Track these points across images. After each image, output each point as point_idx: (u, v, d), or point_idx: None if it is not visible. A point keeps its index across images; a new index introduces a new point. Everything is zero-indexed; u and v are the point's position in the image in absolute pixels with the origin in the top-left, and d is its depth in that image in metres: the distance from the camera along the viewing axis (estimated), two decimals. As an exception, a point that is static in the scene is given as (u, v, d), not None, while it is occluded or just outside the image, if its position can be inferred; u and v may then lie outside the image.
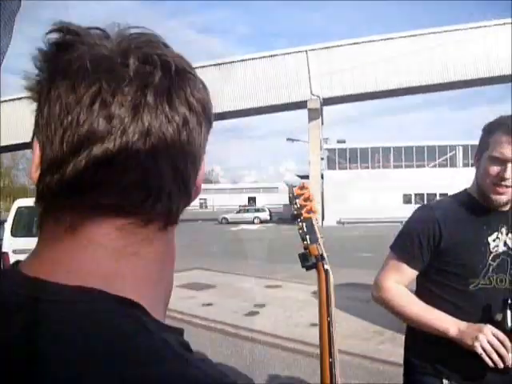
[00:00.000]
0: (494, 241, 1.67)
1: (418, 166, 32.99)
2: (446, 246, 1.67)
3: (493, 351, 1.49)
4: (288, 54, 30.38)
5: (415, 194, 32.01)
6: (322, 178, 31.80)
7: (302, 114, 31.31)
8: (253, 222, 37.32)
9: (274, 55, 30.68)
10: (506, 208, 1.69)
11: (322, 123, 31.68)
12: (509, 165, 1.59)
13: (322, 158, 32.12)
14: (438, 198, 32.50)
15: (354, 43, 29.15)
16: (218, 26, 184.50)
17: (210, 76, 31.30)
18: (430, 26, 28.17)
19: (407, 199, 31.97)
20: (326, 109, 32.05)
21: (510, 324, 1.53)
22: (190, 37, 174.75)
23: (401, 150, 33.35)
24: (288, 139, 34.07)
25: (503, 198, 1.63)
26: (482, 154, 1.68)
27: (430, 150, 32.91)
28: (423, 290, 1.76)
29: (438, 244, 1.68)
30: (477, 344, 1.49)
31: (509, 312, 1.54)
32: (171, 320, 6.96)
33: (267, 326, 6.50)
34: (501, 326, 1.53)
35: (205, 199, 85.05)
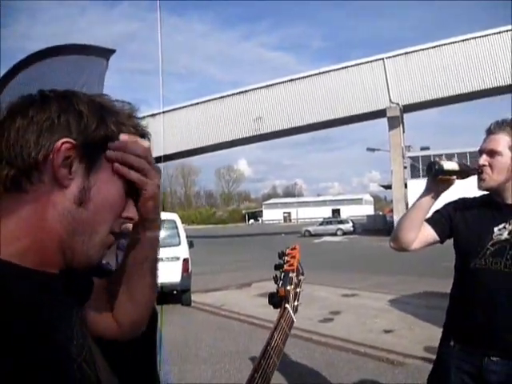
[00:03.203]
0: (499, 230, 1.91)
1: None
2: (456, 228, 2.01)
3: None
4: (364, 63, 30.22)
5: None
6: (406, 187, 30.89)
7: (382, 122, 30.89)
8: (336, 234, 37.02)
9: (350, 66, 30.65)
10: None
11: (404, 131, 30.95)
12: (483, 155, 1.93)
13: (405, 167, 31.24)
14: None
15: (433, 47, 28.31)
16: (292, 42, 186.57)
17: (286, 91, 31.97)
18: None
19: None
20: (406, 116, 31.30)
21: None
22: (264, 56, 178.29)
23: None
24: (368, 149, 33.62)
25: (482, 184, 1.94)
26: None
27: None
28: (454, 274, 2.07)
29: (451, 222, 2.02)
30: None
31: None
32: (250, 325, 7.38)
33: (340, 331, 6.68)
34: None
35: (288, 213, 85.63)
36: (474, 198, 2.09)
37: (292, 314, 1.25)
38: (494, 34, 26.98)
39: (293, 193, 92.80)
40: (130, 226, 1.40)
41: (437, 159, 1.88)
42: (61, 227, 0.67)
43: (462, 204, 2.06)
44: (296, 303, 1.31)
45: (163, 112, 27.73)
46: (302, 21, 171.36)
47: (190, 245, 9.38)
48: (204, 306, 9.23)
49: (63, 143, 0.66)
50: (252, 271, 14.29)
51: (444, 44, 28.14)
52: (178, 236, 9.02)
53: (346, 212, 69.98)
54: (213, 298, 10.03)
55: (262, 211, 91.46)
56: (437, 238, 2.04)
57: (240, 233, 47.92)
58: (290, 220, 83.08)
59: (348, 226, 38.70)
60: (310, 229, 39.41)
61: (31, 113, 0.67)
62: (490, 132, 1.93)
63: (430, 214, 2.07)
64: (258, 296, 9.96)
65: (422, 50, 28.65)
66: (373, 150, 33.58)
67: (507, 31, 26.50)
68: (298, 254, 1.40)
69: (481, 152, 1.95)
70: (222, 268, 15.48)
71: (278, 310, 1.25)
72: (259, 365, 0.95)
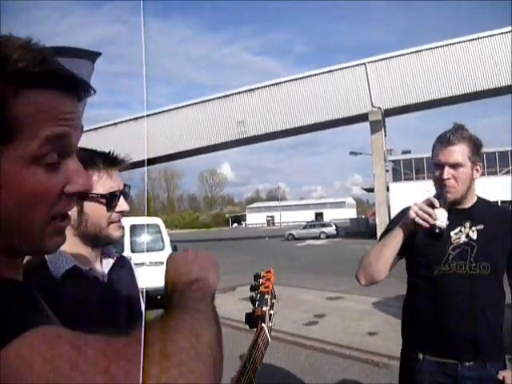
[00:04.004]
0: (456, 234, 1.95)
1: (489, 174, 31.54)
2: (414, 239, 1.97)
3: (423, 213, 1.79)
4: (346, 68, 30.44)
5: (488, 203, 30.48)
6: (388, 190, 31.22)
7: (365, 126, 31.16)
8: (319, 237, 37.16)
9: (333, 70, 30.85)
10: (468, 205, 1.99)
11: (385, 135, 31.25)
12: (445, 168, 1.90)
13: (387, 170, 31.56)
14: (513, 205, 30.94)
15: (413, 52, 28.69)
16: (275, 47, 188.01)
17: (269, 96, 32.06)
18: (493, 28, 27.06)
19: (480, 208, 30.53)
20: (388, 120, 31.63)
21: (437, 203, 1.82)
22: (247, 60, 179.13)
23: (470, 158, 32.06)
24: (351, 153, 33.83)
25: (449, 196, 1.92)
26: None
27: (502, 155, 31.36)
28: (408, 284, 2.08)
29: (408, 235, 1.96)
30: (411, 212, 1.81)
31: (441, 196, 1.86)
32: (234, 330, 7.35)
33: (325, 334, 6.70)
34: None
35: (272, 216, 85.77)
36: None
37: (268, 335, 1.29)
38: (474, 39, 27.47)
39: (276, 196, 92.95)
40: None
41: (434, 223, 1.78)
42: None
43: None
44: (271, 324, 1.36)
45: (146, 116, 27.55)
46: (285, 26, 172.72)
47: (174, 249, 9.32)
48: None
49: None
50: (236, 275, 14.24)
51: (424, 49, 28.53)
52: (162, 240, 8.96)
53: (329, 215, 70.39)
54: (197, 302, 9.97)
55: (245, 215, 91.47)
56: (397, 258, 2.03)
57: (223, 237, 47.82)
58: (274, 224, 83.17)
59: (331, 230, 38.86)
60: (294, 232, 39.48)
61: None
62: (449, 143, 1.91)
63: (382, 235, 2.06)
64: (242, 300, 9.94)
65: (403, 55, 29.00)
66: (355, 153, 33.81)
67: (486, 37, 27.05)
68: (273, 276, 1.45)
69: (441, 165, 1.92)
70: (205, 272, 15.40)
71: (255, 329, 1.29)
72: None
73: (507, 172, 31.46)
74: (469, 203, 1.99)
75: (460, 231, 1.95)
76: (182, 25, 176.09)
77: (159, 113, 33.56)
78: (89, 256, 1.38)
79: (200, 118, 33.47)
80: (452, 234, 1.94)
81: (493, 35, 26.83)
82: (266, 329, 1.30)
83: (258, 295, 1.37)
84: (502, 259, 1.96)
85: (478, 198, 2.03)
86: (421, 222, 1.79)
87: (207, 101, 34.22)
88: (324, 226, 40.89)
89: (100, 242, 1.37)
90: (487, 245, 1.93)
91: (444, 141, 1.92)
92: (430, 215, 1.78)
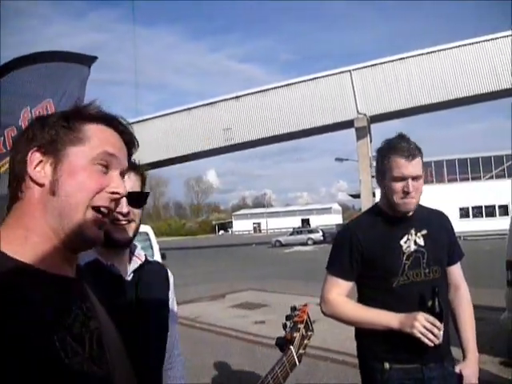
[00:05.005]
0: (405, 242, 2.00)
1: (473, 179, 31.97)
2: (367, 255, 2.01)
3: (428, 333, 1.83)
4: (332, 75, 30.68)
5: (473, 208, 30.93)
6: (374, 196, 31.42)
7: (350, 132, 31.39)
8: (306, 244, 37.13)
9: (318, 77, 31.06)
10: (410, 213, 2.02)
11: (371, 141, 31.48)
12: (409, 180, 1.93)
13: (373, 176, 31.78)
14: (497, 210, 31.44)
15: (398, 59, 29.05)
16: (260, 55, 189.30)
17: (254, 103, 32.14)
18: (474, 36, 27.60)
19: (464, 213, 30.98)
20: (373, 126, 31.89)
21: (437, 308, 1.87)
22: (232, 68, 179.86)
23: (454, 163, 32.48)
24: (337, 159, 34.01)
25: (411, 207, 1.97)
26: (384, 175, 2.00)
27: (485, 160, 31.82)
28: (361, 296, 2.10)
29: (361, 254, 2.02)
30: (415, 330, 1.84)
31: (436, 299, 1.87)
32: (226, 337, 7.30)
33: (317, 340, 6.68)
34: (431, 310, 1.87)
35: (258, 223, 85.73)
36: (364, 219, 2.14)
37: (295, 356, 1.44)
38: (457, 47, 27.93)
39: (262, 203, 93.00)
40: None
41: (439, 343, 1.86)
42: (48, 217, 0.81)
43: (358, 229, 2.07)
44: (302, 351, 1.51)
45: (131, 123, 27.39)
46: (270, 34, 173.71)
47: (162, 257, 9.22)
48: (178, 318, 9.08)
49: (32, 152, 0.82)
50: (225, 282, 14.22)
51: (409, 56, 28.92)
52: (152, 248, 8.86)
53: (316, 221, 70.57)
54: (187, 310, 9.88)
55: (231, 222, 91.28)
56: (353, 283, 2.10)
57: (210, 244, 47.66)
58: (260, 230, 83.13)
59: (318, 236, 38.79)
60: (281, 239, 39.32)
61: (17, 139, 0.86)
62: (413, 156, 1.92)
63: (336, 266, 2.09)
64: (232, 307, 9.90)
65: (388, 62, 29.36)
66: (341, 160, 34.01)
67: (469, 44, 27.54)
68: (307, 309, 1.60)
69: (405, 178, 1.93)
70: (194, 280, 15.32)
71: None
72: None
73: (491, 177, 31.92)
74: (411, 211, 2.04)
75: (408, 239, 2.00)
76: (167, 33, 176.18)
77: (144, 120, 33.44)
78: (110, 253, 1.43)
79: (186, 125, 33.40)
80: (402, 242, 1.99)
81: (475, 43, 27.36)
82: (293, 350, 1.44)
83: (292, 323, 1.52)
84: (445, 260, 2.07)
85: None
86: (426, 341, 1.85)
87: (193, 108, 34.18)
88: (311, 232, 40.79)
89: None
90: (434, 249, 2.02)
91: (406, 154, 1.92)
92: (437, 337, 1.85)
